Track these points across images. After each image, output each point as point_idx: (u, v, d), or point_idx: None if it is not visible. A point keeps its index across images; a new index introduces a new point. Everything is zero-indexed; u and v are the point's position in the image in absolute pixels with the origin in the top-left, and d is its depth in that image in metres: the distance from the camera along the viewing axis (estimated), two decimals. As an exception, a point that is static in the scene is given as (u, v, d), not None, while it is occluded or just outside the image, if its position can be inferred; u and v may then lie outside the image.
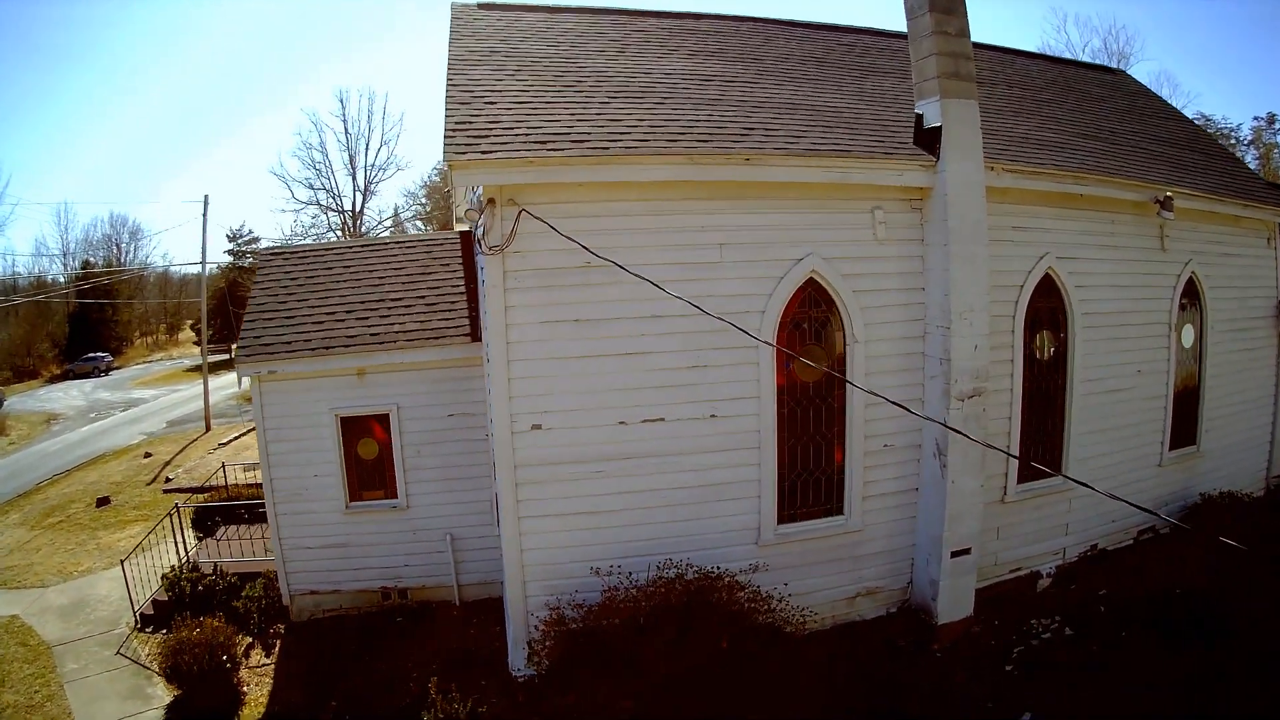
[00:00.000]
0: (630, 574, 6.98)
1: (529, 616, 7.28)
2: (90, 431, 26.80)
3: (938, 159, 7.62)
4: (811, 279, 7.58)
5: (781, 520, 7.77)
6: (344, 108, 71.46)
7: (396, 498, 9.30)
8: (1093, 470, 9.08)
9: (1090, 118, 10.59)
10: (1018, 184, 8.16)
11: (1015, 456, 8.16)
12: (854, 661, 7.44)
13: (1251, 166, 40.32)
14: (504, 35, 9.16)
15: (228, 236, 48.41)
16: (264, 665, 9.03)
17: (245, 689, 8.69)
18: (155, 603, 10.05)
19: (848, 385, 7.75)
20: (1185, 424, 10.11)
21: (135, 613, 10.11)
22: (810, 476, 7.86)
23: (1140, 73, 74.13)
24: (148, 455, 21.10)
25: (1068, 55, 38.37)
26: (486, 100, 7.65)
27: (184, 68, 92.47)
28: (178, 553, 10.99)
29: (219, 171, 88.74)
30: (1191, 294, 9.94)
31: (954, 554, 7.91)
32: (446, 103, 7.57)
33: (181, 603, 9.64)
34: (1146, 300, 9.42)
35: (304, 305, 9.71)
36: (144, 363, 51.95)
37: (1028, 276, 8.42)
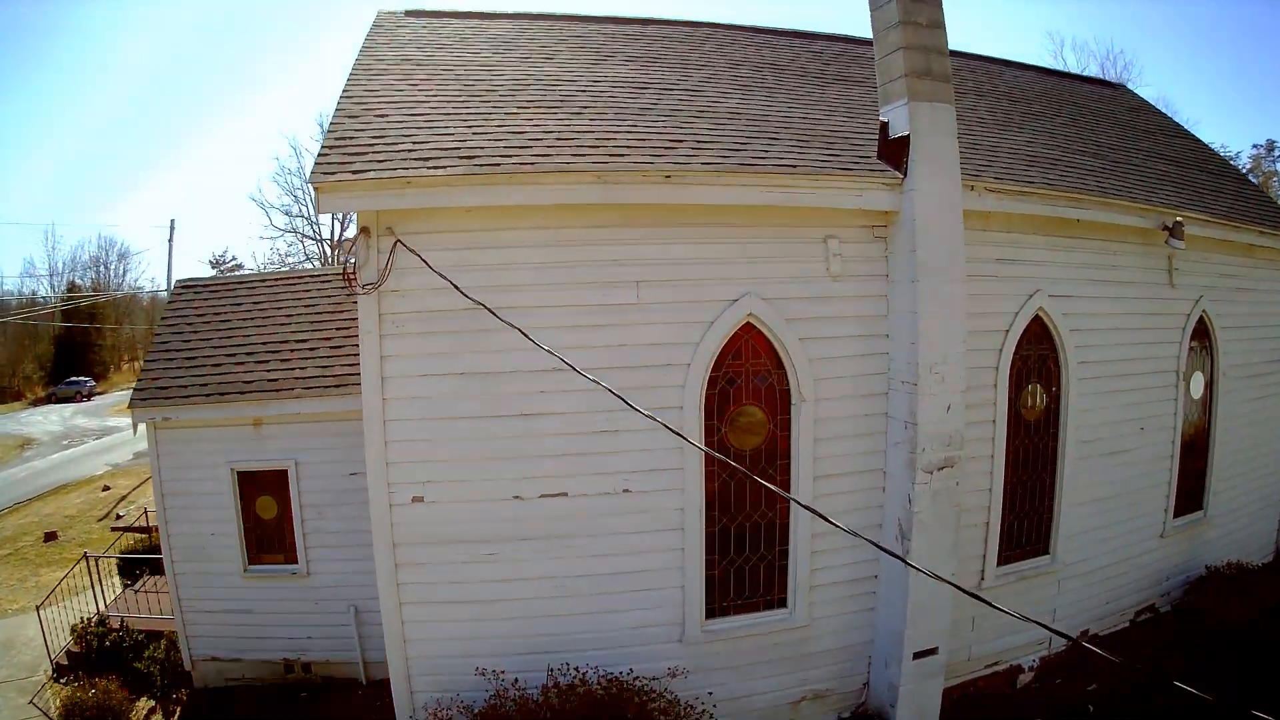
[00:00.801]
0: (518, 678, 5.64)
1: (414, 713, 5.95)
2: (60, 459, 26.22)
3: (905, 175, 6.23)
4: (749, 324, 6.18)
5: (711, 614, 6.38)
6: (324, 132, 68.42)
7: (297, 563, 8.02)
8: (1086, 546, 7.78)
9: (1088, 133, 9.22)
10: (1003, 207, 6.79)
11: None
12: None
13: None
14: (424, 42, 7.81)
15: (210, 263, 46.39)
16: (165, 732, 7.82)
17: (140, 757, 7.45)
18: (69, 653, 9.07)
19: (792, 453, 6.35)
20: (1192, 486, 8.78)
21: (52, 661, 9.15)
22: (746, 562, 6.46)
23: None
24: (106, 489, 20.39)
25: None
26: (379, 113, 6.28)
27: (175, 88, 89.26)
28: (96, 603, 10.02)
29: (203, 194, 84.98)
30: (1201, 335, 8.61)
31: (918, 654, 6.53)
32: (333, 115, 6.22)
33: (89, 658, 8.73)
34: (1152, 345, 8.07)
35: (207, 345, 8.48)
36: (127, 388, 50.45)
37: (1014, 319, 7.05)
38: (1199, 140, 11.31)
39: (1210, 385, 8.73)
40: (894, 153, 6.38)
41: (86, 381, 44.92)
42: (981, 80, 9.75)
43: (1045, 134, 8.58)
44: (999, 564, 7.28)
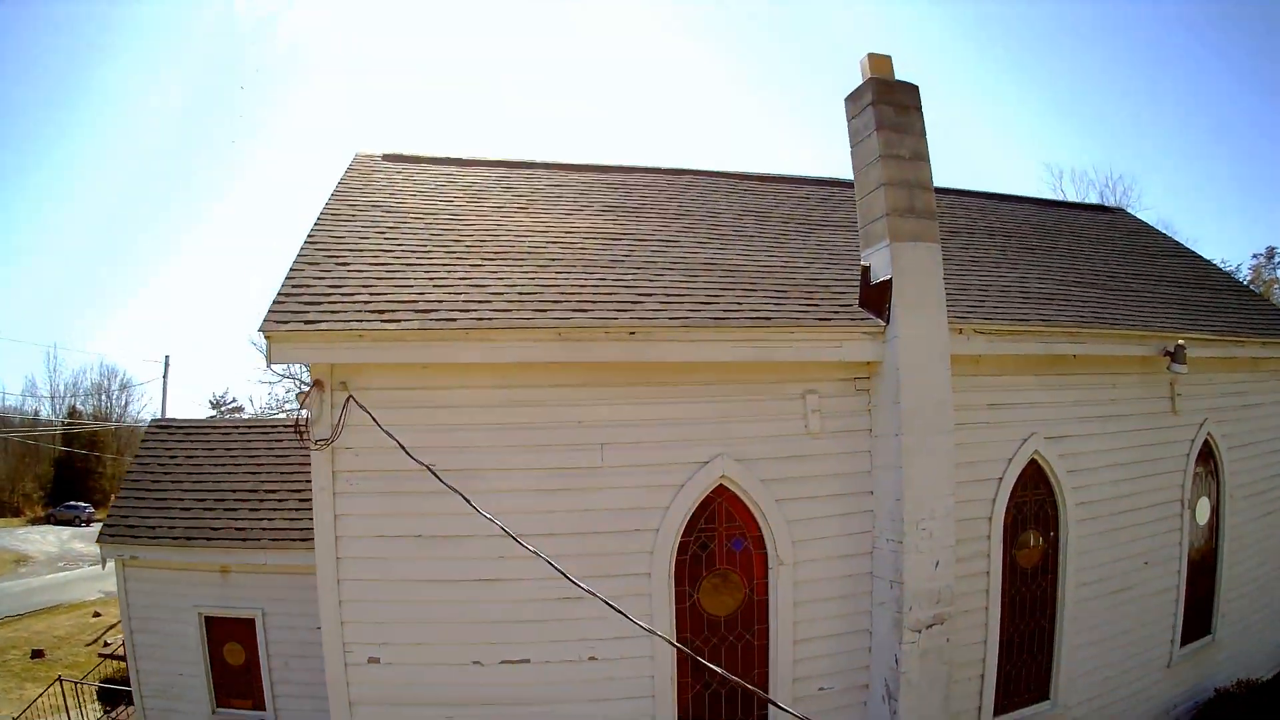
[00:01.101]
0: None
1: None
2: (54, 580, 26.86)
3: (888, 322, 5.96)
4: (722, 486, 5.89)
5: (688, 791, 6.03)
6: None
7: (265, 711, 7.77)
8: (1089, 688, 7.36)
9: (1085, 262, 8.92)
10: (994, 348, 6.51)
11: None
12: None
13: None
14: (396, 189, 7.70)
15: (210, 403, 46.19)
16: None
17: None
18: None
19: (770, 616, 6.03)
20: (1199, 610, 8.35)
21: None
22: (724, 732, 6.11)
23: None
24: (97, 614, 20.87)
25: None
26: (340, 261, 6.14)
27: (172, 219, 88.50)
28: None
29: (204, 331, 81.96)
30: (1206, 458, 8.23)
31: (907, 829, 6.14)
32: (294, 261, 6.06)
33: None
34: (1155, 476, 7.70)
35: (177, 488, 8.42)
36: (124, 518, 50.79)
37: (1008, 466, 6.72)
38: (1199, 256, 11.00)
39: (1216, 509, 8.34)
40: (876, 299, 6.12)
41: (85, 507, 45.15)
42: (974, 217, 9.52)
43: (1040, 267, 8.31)
44: (995, 714, 6.88)
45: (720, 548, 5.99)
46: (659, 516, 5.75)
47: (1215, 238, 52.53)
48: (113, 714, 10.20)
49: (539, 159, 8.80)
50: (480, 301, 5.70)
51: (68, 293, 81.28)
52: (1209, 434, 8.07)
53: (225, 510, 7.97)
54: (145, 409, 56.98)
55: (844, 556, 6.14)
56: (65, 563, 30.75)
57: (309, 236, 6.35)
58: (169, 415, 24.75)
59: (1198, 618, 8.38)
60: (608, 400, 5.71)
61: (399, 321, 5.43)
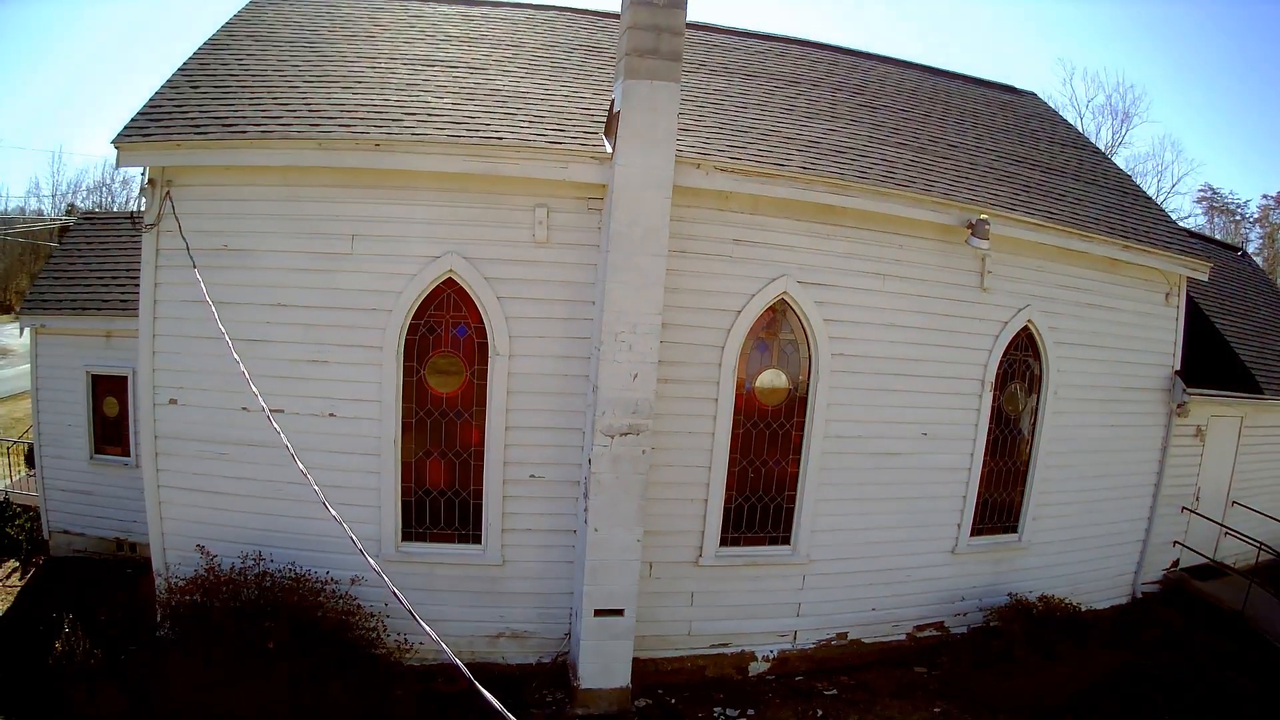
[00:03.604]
0: (217, 557, 6.62)
1: (168, 582, 7.11)
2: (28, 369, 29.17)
3: (614, 150, 6.55)
4: (450, 279, 6.79)
5: (408, 538, 7.07)
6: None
7: (129, 456, 9.50)
8: (840, 544, 7.60)
9: (929, 129, 8.76)
10: (740, 187, 6.88)
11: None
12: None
13: (1254, 245, 36.26)
14: (277, 21, 8.85)
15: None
16: (15, 586, 9.63)
17: (-5, 601, 9.29)
18: None
19: (487, 401, 6.89)
20: (1007, 509, 8.19)
21: None
22: (442, 495, 7.07)
23: (1142, 134, 66.12)
24: None
25: (1070, 110, 34.34)
26: (194, 84, 7.47)
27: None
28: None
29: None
30: (1030, 349, 8.00)
31: (600, 612, 6.82)
32: (159, 87, 7.49)
33: None
34: (949, 349, 7.67)
35: (86, 269, 10.23)
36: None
37: (749, 301, 7.08)
38: (1102, 155, 10.25)
39: (1037, 403, 8.08)
40: (610, 129, 6.72)
41: None
42: (835, 73, 9.52)
43: (861, 124, 8.33)
44: (723, 544, 7.34)
45: (446, 333, 6.91)
46: (394, 299, 6.75)
47: (1226, 168, 50.37)
48: (32, 473, 12.16)
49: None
50: (271, 118, 6.90)
51: (76, 97, 77.46)
52: (1030, 320, 7.85)
53: (116, 285, 9.72)
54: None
55: (563, 357, 6.86)
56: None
57: (182, 65, 7.76)
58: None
59: (1005, 514, 8.23)
60: (358, 200, 6.74)
61: (205, 134, 6.74)
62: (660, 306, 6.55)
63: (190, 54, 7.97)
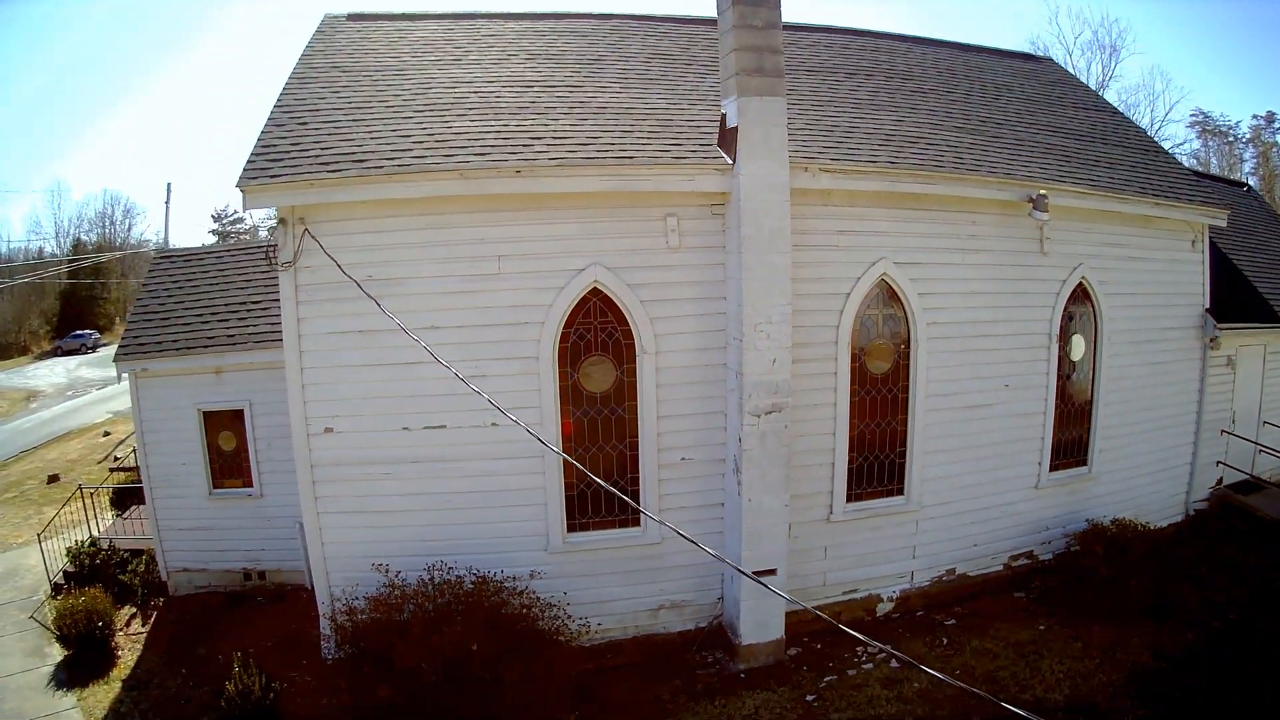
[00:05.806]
0: (400, 573, 7.09)
1: (334, 605, 7.55)
2: (64, 409, 27.03)
3: (735, 161, 7.27)
4: (595, 289, 7.43)
5: (573, 529, 7.71)
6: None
7: (252, 486, 9.85)
8: (945, 491, 8.54)
9: (973, 108, 9.75)
10: (840, 184, 7.70)
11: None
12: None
13: (1249, 165, 37.87)
14: (355, 48, 9.31)
15: (212, 217, 49.95)
16: (139, 634, 9.77)
17: (120, 653, 9.41)
18: (65, 573, 10.95)
19: (638, 396, 7.58)
20: (1078, 445, 9.28)
21: (50, 581, 11.07)
22: (601, 487, 7.73)
23: (1131, 67, 67.88)
24: (106, 434, 21.61)
25: (1059, 48, 35.87)
26: (300, 120, 7.83)
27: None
28: (90, 532, 11.92)
29: (211, 149, 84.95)
30: (1085, 301, 9.07)
31: (758, 573, 7.60)
32: (265, 124, 7.78)
33: (81, 575, 10.50)
34: (1020, 309, 8.68)
35: (179, 307, 10.38)
36: (134, 341, 53.64)
37: (856, 284, 7.93)
38: (1119, 114, 11.47)
39: (1095, 349, 9.17)
40: (728, 141, 7.44)
41: (91, 334, 45.95)
42: (880, 59, 10.41)
43: (920, 112, 9.24)
44: (849, 500, 8.21)
45: (595, 338, 7.56)
46: (544, 312, 7.35)
47: (1215, 90, 52.02)
48: (123, 515, 12.18)
49: (481, 9, 10.24)
50: (402, 150, 7.37)
51: (72, 127, 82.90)
52: (1084, 278, 8.90)
53: (218, 321, 9.93)
54: (149, 229, 58.74)
55: (701, 349, 7.59)
56: (74, 390, 30.75)
57: (278, 100, 8.08)
58: (172, 237, 27.02)
59: (1076, 450, 9.31)
60: (503, 223, 7.30)
61: (341, 171, 7.14)
62: (790, 297, 7.34)
63: (281, 90, 8.30)
